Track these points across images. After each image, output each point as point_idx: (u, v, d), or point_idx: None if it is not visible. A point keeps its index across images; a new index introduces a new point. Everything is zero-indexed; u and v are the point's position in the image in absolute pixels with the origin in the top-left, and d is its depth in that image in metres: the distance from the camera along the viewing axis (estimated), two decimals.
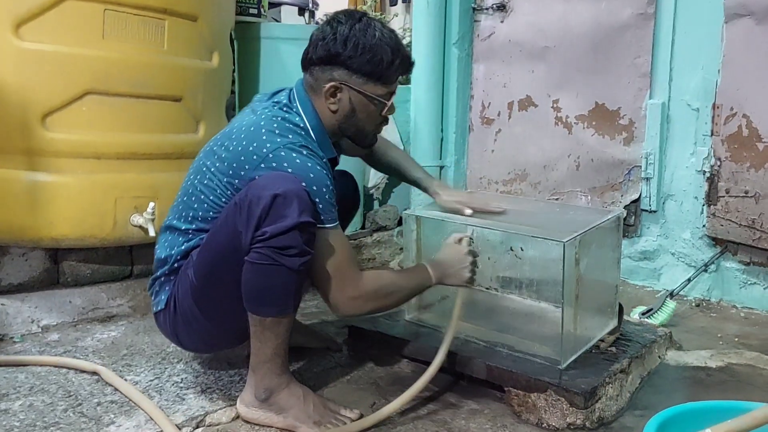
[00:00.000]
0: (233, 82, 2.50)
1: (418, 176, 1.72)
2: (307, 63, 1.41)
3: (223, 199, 1.35)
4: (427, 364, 1.46)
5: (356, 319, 1.76)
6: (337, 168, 1.55)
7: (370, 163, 1.79)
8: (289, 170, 1.28)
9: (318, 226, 1.28)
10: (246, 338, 1.35)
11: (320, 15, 3.61)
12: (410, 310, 1.79)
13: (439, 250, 1.51)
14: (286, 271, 1.24)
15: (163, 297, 1.42)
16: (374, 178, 2.87)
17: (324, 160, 1.38)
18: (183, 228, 1.40)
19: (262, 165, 1.30)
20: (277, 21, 3.26)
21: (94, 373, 1.57)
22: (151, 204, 1.88)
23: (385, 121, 1.47)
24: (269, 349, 1.32)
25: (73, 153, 1.80)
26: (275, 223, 1.22)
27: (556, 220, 1.71)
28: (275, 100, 1.42)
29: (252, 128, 1.35)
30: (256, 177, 1.29)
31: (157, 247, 1.46)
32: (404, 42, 1.45)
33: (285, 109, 1.39)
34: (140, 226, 1.90)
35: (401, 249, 2.68)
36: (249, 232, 1.23)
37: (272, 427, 1.35)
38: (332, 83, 1.37)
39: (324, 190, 1.30)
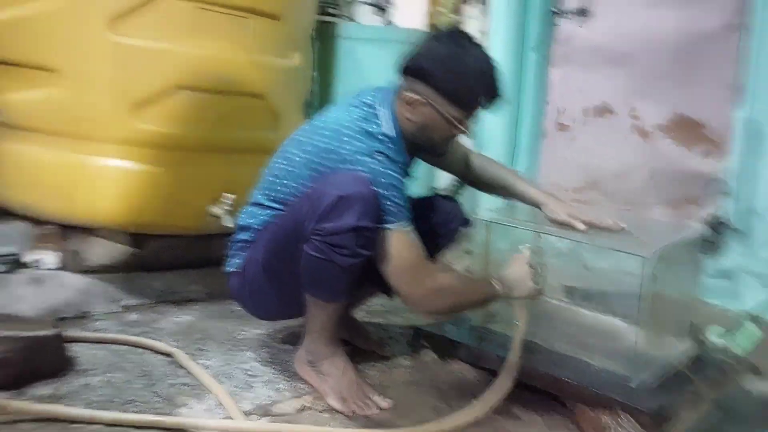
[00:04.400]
0: (312, 80, 2.55)
1: (523, 189, 1.68)
2: (402, 69, 1.47)
3: (302, 188, 1.44)
4: (491, 371, 1.45)
5: (422, 321, 1.77)
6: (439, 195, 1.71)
7: (467, 182, 1.76)
8: (364, 172, 1.37)
9: (390, 227, 1.37)
10: (303, 313, 1.49)
11: (395, 15, 3.62)
12: (476, 317, 1.78)
13: (506, 264, 1.53)
14: (337, 268, 1.36)
15: (237, 260, 1.55)
16: (444, 179, 2.87)
17: (400, 163, 1.45)
18: (266, 204, 1.52)
19: (340, 166, 1.39)
20: (352, 20, 3.30)
21: (169, 354, 1.64)
22: (230, 196, 1.95)
23: (455, 137, 1.52)
24: (319, 322, 1.47)
25: (160, 144, 1.89)
26: (334, 222, 1.32)
27: (634, 233, 1.66)
28: (363, 100, 1.49)
29: (337, 128, 1.44)
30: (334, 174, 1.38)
31: (242, 215, 1.58)
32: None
33: (369, 113, 1.46)
34: (218, 217, 1.98)
35: (467, 253, 2.67)
36: (311, 223, 1.35)
37: (310, 386, 1.51)
38: (415, 95, 1.43)
39: (395, 192, 1.38)
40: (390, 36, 2.67)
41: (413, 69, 1.43)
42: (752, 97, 2.24)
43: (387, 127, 1.45)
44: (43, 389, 1.41)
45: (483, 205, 2.94)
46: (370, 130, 1.43)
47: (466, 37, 1.44)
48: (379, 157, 1.39)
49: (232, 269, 1.57)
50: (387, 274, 1.40)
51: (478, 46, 1.44)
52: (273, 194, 1.51)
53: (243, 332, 1.83)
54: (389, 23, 3.44)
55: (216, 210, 1.97)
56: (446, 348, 1.72)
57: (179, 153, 1.90)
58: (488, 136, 2.92)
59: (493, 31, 2.87)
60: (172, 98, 1.87)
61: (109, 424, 1.28)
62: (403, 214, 1.40)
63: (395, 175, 1.40)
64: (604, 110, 2.66)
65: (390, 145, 1.44)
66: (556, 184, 2.86)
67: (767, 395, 1.64)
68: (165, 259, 2.11)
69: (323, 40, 2.58)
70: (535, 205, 1.65)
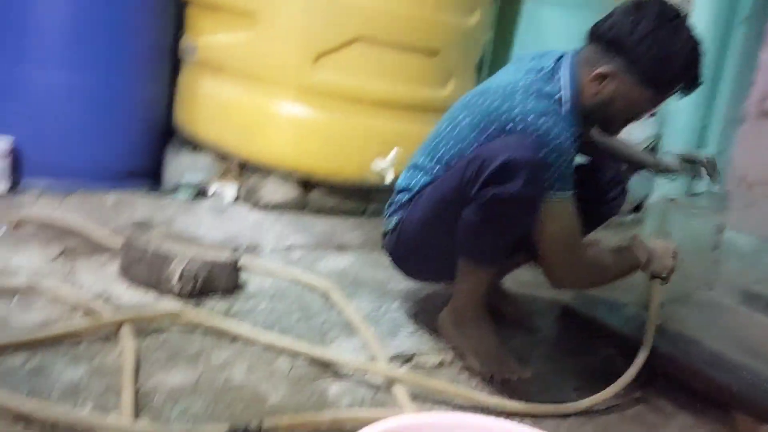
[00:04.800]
0: (488, 42, 2.50)
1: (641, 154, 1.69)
2: (595, 36, 1.37)
3: (467, 152, 1.40)
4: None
5: (570, 297, 1.70)
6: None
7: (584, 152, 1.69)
8: (534, 136, 1.29)
9: (553, 195, 1.30)
10: (452, 279, 1.46)
11: None
12: (631, 303, 1.67)
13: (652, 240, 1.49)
14: (497, 233, 1.33)
15: (395, 219, 1.55)
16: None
17: (573, 131, 1.35)
18: (427, 166, 1.50)
19: (508, 126, 1.32)
20: None
21: (325, 293, 1.74)
22: (394, 150, 2.00)
23: (635, 120, 1.42)
24: (467, 285, 1.44)
25: (335, 94, 1.98)
26: (499, 188, 1.27)
27: None
28: (540, 65, 1.40)
29: (509, 89, 1.35)
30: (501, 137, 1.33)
31: (402, 177, 1.59)
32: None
33: (546, 78, 1.37)
34: (380, 170, 2.04)
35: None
36: (475, 188, 1.31)
37: (451, 345, 1.50)
38: (607, 68, 1.33)
39: (563, 159, 1.30)
40: (581, 0, 2.51)
41: (609, 40, 1.32)
42: None
43: (565, 93, 1.36)
44: (216, 305, 1.57)
45: (657, 189, 2.74)
46: (547, 90, 1.34)
47: (674, 12, 1.29)
48: (552, 120, 1.30)
49: (388, 227, 1.57)
50: (541, 242, 1.35)
51: (686, 25, 1.30)
52: (436, 156, 1.48)
53: (393, 283, 1.88)
54: None
55: (380, 164, 2.04)
56: (594, 330, 1.64)
57: (352, 104, 1.98)
58: (672, 114, 2.67)
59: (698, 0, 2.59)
60: (352, 50, 1.94)
61: (267, 346, 1.40)
62: (569, 184, 1.33)
63: (566, 141, 1.31)
64: None
65: (566, 112, 1.35)
66: (748, 179, 2.55)
67: None
68: (327, 205, 2.23)
69: (507, 1, 2.50)
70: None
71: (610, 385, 1.36)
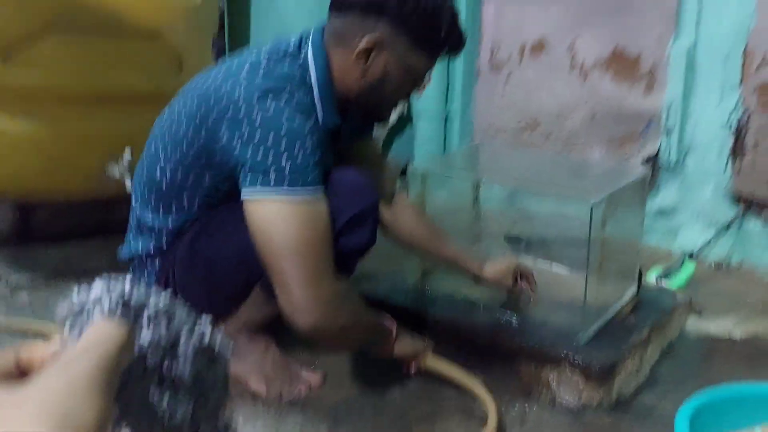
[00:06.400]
0: (222, 17, 2.28)
1: (455, 254, 1.44)
2: (342, 4, 1.14)
3: (190, 156, 1.13)
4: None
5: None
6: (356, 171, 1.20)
7: (390, 235, 1.44)
8: (258, 121, 1.04)
9: (284, 193, 1.03)
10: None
11: None
12: (412, 274, 1.64)
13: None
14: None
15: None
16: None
17: (315, 116, 1.13)
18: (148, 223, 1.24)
19: (229, 112, 1.06)
20: None
21: None
22: (127, 153, 1.71)
23: (408, 98, 1.27)
24: (249, 313, 1.25)
25: (36, 97, 1.61)
26: None
27: (577, 179, 1.55)
28: (278, 46, 1.16)
29: (233, 69, 1.12)
30: (223, 128, 1.06)
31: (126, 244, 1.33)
32: None
33: (283, 58, 1.13)
34: (117, 177, 1.74)
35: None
36: None
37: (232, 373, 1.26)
38: (372, 38, 1.11)
39: (297, 146, 1.03)
40: None
41: (369, 3, 1.10)
42: (686, 27, 2.15)
43: (316, 76, 1.13)
44: None
45: (418, 152, 2.81)
46: (283, 71, 1.10)
47: None
48: (283, 100, 1.06)
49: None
50: (270, 262, 1.05)
51: None
52: (156, 196, 1.20)
53: None
54: None
55: (114, 170, 1.73)
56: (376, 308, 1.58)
57: (60, 106, 1.63)
58: None
59: None
60: (50, 41, 1.59)
61: None
62: (308, 177, 1.04)
63: (303, 124, 1.06)
64: (540, 47, 2.52)
65: (314, 98, 1.13)
66: (494, 126, 2.73)
67: (708, 337, 1.59)
68: (58, 229, 1.86)
69: None
70: (468, 270, 1.46)
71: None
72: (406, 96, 1.23)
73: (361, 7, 1.11)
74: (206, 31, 1.99)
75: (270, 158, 1.02)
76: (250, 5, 2.34)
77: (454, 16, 1.16)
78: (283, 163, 1.02)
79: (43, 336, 1.45)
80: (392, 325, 1.25)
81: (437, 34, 1.14)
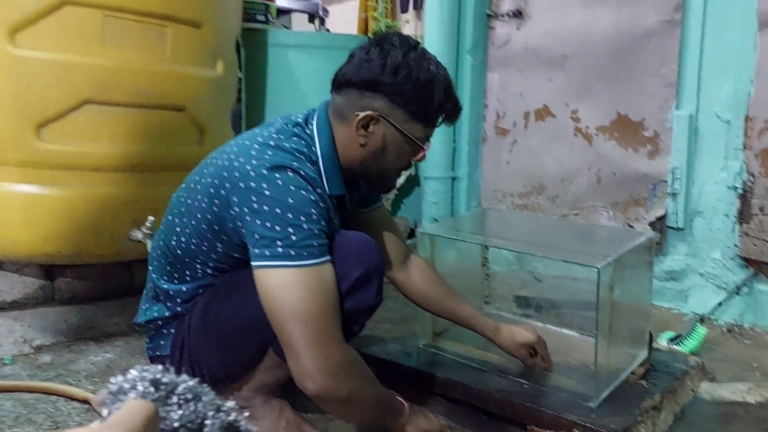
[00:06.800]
0: (240, 91, 2.40)
1: (469, 314, 1.46)
2: (342, 83, 1.21)
3: (204, 225, 1.20)
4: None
5: (364, 346, 1.65)
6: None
7: (404, 292, 1.47)
8: (266, 193, 1.09)
9: (291, 260, 1.07)
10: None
11: (330, 23, 3.52)
12: (423, 337, 1.67)
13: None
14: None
15: (162, 342, 1.34)
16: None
17: (322, 188, 1.19)
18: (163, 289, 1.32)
19: (240, 184, 1.12)
20: (287, 28, 3.18)
21: (86, 401, 1.46)
22: (150, 218, 1.78)
23: (411, 166, 1.32)
24: (264, 377, 1.28)
25: (68, 165, 1.70)
26: None
27: (584, 242, 1.59)
28: (287, 121, 1.23)
29: (246, 142, 1.18)
30: (234, 200, 1.12)
31: (142, 308, 1.39)
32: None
33: (292, 133, 1.20)
34: (139, 241, 1.80)
35: None
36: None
37: None
38: (369, 113, 1.18)
39: (302, 219, 1.08)
40: (322, 42, 2.55)
41: (365, 81, 1.17)
42: (688, 95, 2.23)
43: (320, 148, 1.20)
44: None
45: (427, 214, 2.87)
46: (291, 145, 1.16)
47: (413, 40, 1.21)
48: (290, 172, 1.11)
49: (161, 353, 1.34)
50: (279, 329, 1.08)
51: (429, 52, 1.22)
52: (174, 269, 1.28)
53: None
54: (326, 30, 3.33)
55: (137, 234, 1.80)
56: (394, 373, 1.60)
57: (91, 174, 1.72)
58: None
59: (427, 34, 2.80)
60: (82, 114, 1.69)
61: None
62: (315, 248, 1.09)
63: (308, 196, 1.11)
64: (544, 113, 2.62)
65: (319, 169, 1.19)
66: (500, 190, 2.80)
67: (722, 402, 1.59)
68: (81, 291, 1.92)
69: (251, 48, 2.44)
70: (482, 333, 1.47)
71: None
72: (408, 164, 1.28)
73: (358, 86, 1.18)
74: (226, 103, 2.09)
75: (277, 228, 1.07)
76: (266, 77, 2.47)
77: (448, 86, 1.21)
78: (290, 232, 1.07)
79: (66, 398, 1.48)
80: (405, 402, 1.25)
81: (431, 105, 1.19)
